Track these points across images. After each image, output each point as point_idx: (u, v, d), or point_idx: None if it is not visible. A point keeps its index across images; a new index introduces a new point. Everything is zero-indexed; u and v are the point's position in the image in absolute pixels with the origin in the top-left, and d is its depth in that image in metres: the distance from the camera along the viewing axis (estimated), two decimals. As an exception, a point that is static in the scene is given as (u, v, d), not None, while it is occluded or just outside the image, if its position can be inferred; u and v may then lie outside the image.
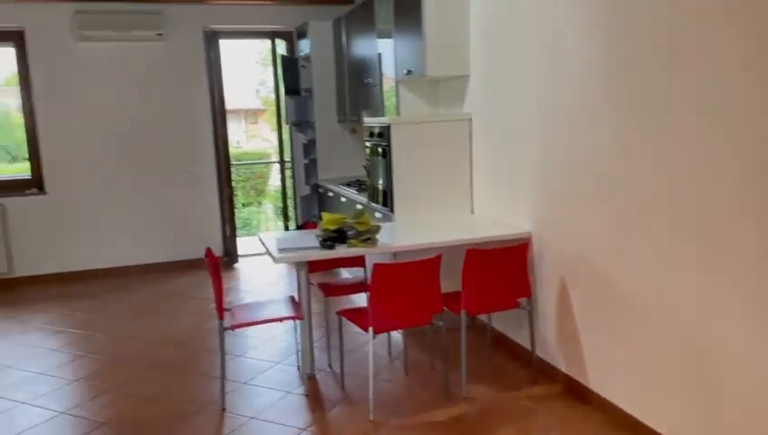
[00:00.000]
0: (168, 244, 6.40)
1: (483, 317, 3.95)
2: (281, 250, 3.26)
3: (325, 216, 3.52)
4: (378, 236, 3.36)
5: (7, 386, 3.62)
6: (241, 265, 6.53)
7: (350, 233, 3.38)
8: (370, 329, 3.00)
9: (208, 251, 3.38)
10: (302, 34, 6.35)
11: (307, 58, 6.24)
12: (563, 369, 3.35)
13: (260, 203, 12.27)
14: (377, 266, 2.95)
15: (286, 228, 6.67)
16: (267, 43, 6.69)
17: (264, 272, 6.11)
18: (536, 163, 3.44)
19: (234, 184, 6.77)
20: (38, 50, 5.83)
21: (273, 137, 17.15)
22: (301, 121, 6.43)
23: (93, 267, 6.17)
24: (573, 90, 3.04)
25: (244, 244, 6.95)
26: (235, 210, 6.75)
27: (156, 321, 4.77)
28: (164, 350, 4.15)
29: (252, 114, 19.41)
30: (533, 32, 3.36)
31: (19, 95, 5.95)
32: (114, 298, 5.44)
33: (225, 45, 6.44)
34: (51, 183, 6.02)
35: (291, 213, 6.81)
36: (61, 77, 5.92)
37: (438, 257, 3.08)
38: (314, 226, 4.08)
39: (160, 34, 6.03)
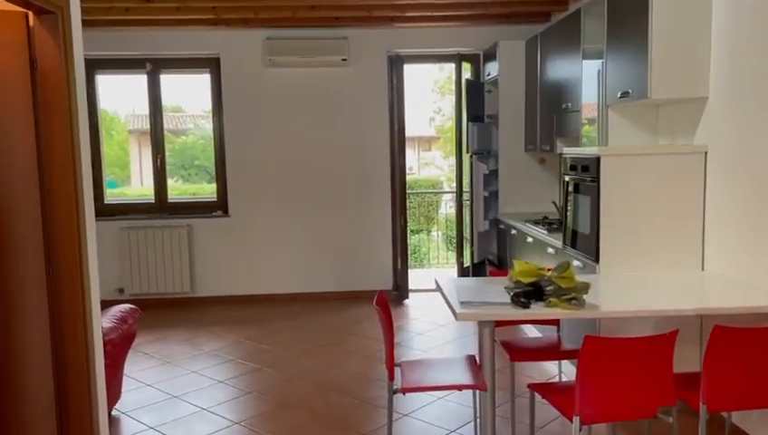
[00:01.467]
0: (338, 273, 6.21)
1: (714, 406, 3.06)
2: (463, 303, 2.72)
3: (517, 264, 2.93)
4: (585, 297, 2.69)
5: (170, 422, 3.49)
6: (411, 301, 6.12)
7: (548, 289, 2.76)
8: (576, 419, 2.34)
9: (381, 296, 2.96)
10: (489, 57, 5.86)
11: (494, 82, 5.73)
12: None
13: (429, 231, 12.00)
14: (589, 341, 2.30)
15: (460, 266, 6.15)
16: (445, 70, 6.31)
17: (435, 311, 5.63)
18: (812, 214, 2.55)
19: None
20: (230, 76, 5.99)
21: (446, 165, 16.91)
22: (482, 150, 5.92)
23: (266, 292, 6.14)
24: None
25: (414, 276, 6.56)
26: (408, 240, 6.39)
27: (321, 359, 4.49)
28: (328, 397, 3.80)
29: (425, 142, 19.40)
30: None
31: (211, 120, 6.16)
32: (283, 328, 5.29)
33: (408, 70, 6.16)
34: (234, 206, 6.12)
35: (465, 248, 6.28)
36: (249, 102, 6.01)
37: (673, 335, 2.34)
38: (500, 272, 3.50)
39: (345, 59, 5.90)
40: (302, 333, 5.13)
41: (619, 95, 3.61)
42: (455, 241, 11.87)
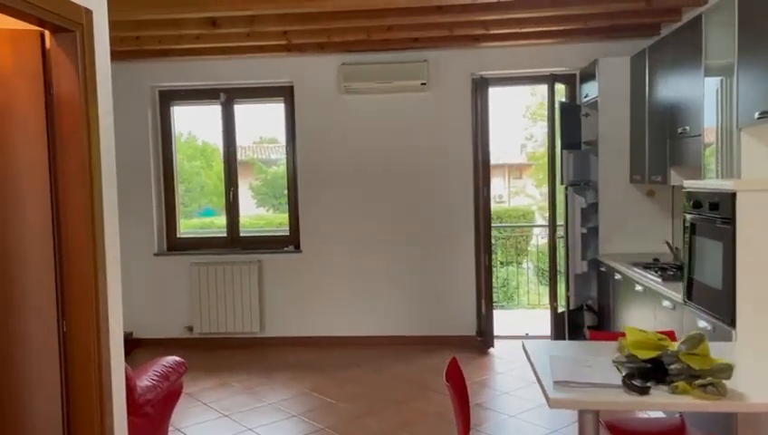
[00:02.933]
0: (416, 315, 5.67)
1: None
2: (558, 384, 2.12)
3: (630, 332, 2.30)
4: (726, 382, 2.02)
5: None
6: (497, 350, 5.45)
7: (672, 367, 2.11)
8: None
9: (452, 367, 2.41)
10: (587, 76, 5.21)
11: (592, 104, 5.07)
12: None
13: (519, 263, 11.24)
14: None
15: (554, 311, 5.43)
16: (537, 95, 5.71)
17: (526, 363, 4.93)
18: None
19: (493, 240, 5.78)
20: (304, 104, 5.68)
21: (538, 193, 16.03)
22: (579, 181, 5.24)
23: (337, 334, 5.69)
24: None
25: (502, 318, 5.89)
26: (493, 269, 5.70)
27: (390, 420, 3.95)
28: (394, 471, 3.26)
29: (516, 169, 18.56)
30: None
31: (285, 150, 5.87)
32: (353, 377, 4.80)
33: (495, 94, 5.61)
34: (306, 241, 5.76)
35: (559, 290, 5.55)
36: (323, 131, 5.67)
37: None
38: (603, 336, 2.84)
39: (424, 84, 5.44)
40: (373, 385, 4.62)
41: (756, 116, 2.89)
42: (547, 275, 10.98)
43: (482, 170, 5.48)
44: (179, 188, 6.05)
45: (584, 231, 5.11)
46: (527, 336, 5.81)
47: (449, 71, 5.52)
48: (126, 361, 5.36)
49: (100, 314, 2.18)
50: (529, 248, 11.31)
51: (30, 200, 2.11)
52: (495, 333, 5.57)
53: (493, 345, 5.48)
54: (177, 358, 3.25)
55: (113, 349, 2.29)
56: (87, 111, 2.13)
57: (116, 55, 5.38)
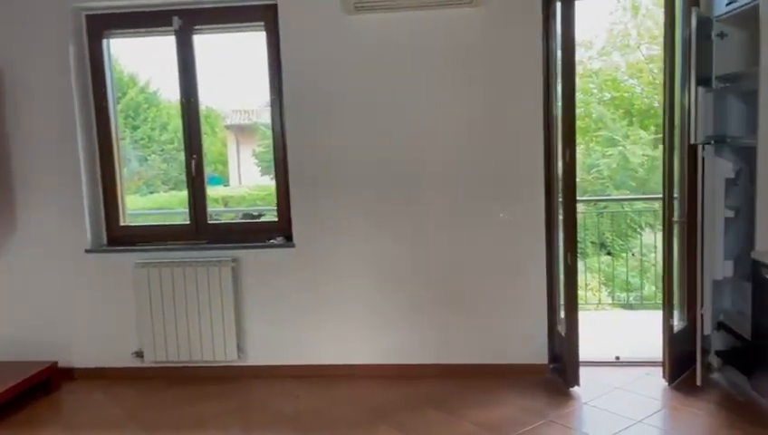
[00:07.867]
0: (458, 333, 3.94)
1: None
2: None
3: None
4: None
5: None
6: (584, 388, 3.69)
7: None
8: None
9: None
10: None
11: (736, 17, 3.24)
12: None
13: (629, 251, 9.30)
14: None
15: (669, 331, 3.66)
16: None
17: (630, 411, 3.22)
18: None
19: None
20: (293, 31, 3.85)
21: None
22: (718, 137, 3.43)
23: (345, 361, 3.99)
24: None
25: (588, 323, 4.04)
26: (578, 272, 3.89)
27: None
28: None
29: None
30: None
31: (268, 99, 4.06)
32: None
33: (581, 8, 3.73)
34: (301, 230, 4.00)
35: (676, 299, 3.78)
36: (323, 70, 3.85)
37: None
38: None
39: (473, -5, 3.61)
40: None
41: None
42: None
43: (561, 127, 3.65)
44: (120, 158, 4.26)
45: (730, 215, 3.33)
46: (618, 361, 4.09)
47: (511, -27, 3.67)
48: (51, 399, 3.66)
49: None
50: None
51: None
52: (581, 359, 3.76)
53: (578, 382, 3.70)
54: None
55: None
56: None
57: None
